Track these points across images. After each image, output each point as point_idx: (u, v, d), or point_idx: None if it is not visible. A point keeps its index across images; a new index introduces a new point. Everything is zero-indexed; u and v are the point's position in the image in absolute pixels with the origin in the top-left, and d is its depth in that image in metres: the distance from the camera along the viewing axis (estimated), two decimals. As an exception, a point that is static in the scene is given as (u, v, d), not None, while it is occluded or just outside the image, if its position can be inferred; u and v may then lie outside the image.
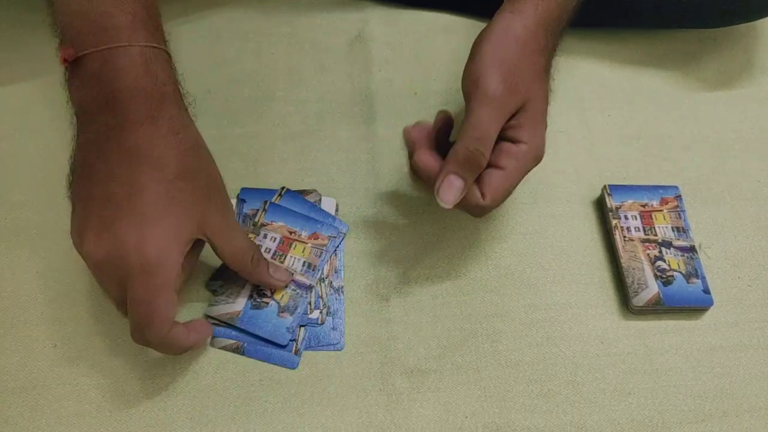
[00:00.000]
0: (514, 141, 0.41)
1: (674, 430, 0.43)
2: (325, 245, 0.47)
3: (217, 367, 0.44)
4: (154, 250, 0.36)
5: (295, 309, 0.45)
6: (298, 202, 0.49)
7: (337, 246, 0.48)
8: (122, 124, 0.37)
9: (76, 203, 0.39)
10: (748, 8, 0.57)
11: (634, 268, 0.47)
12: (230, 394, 0.43)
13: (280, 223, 0.48)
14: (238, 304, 0.45)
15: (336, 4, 0.63)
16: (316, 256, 0.47)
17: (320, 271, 0.47)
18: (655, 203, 0.51)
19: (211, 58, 0.58)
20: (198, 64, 0.58)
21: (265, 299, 0.45)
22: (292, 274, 0.45)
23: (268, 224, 0.48)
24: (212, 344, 0.44)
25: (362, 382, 0.44)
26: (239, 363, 0.44)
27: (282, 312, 0.44)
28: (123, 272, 0.37)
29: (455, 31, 0.62)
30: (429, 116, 0.46)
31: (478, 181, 0.41)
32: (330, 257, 0.47)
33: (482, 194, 0.41)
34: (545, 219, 0.51)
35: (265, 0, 0.63)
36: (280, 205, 0.49)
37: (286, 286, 0.45)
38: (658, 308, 0.46)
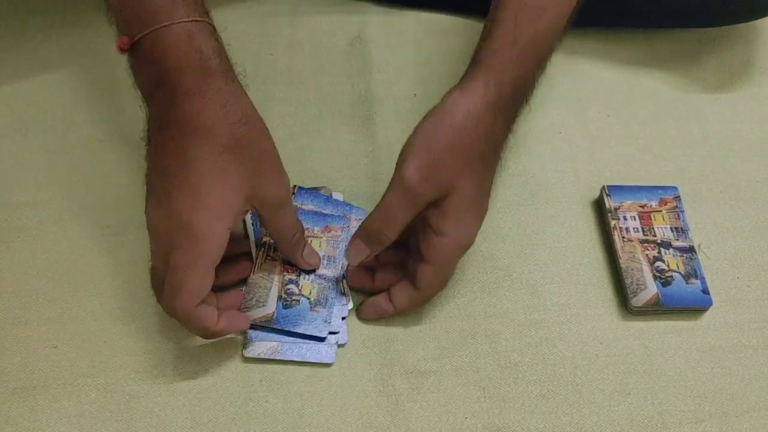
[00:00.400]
0: (437, 232, 0.41)
1: (673, 431, 0.43)
2: (339, 236, 0.48)
3: (217, 367, 0.44)
4: (199, 222, 0.37)
5: (326, 301, 0.45)
6: (311, 197, 0.50)
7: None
8: (174, 98, 0.38)
9: (147, 174, 0.41)
10: (752, 7, 0.57)
11: (633, 269, 0.48)
12: (231, 394, 0.43)
13: None
14: (270, 306, 0.44)
15: (336, 5, 0.63)
16: (333, 247, 0.47)
17: (340, 263, 0.47)
18: (654, 204, 0.51)
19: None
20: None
21: (294, 297, 0.45)
22: (320, 260, 0.46)
23: None
24: (246, 353, 0.43)
25: (362, 383, 0.44)
26: (239, 363, 0.44)
27: (315, 306, 0.45)
28: (170, 241, 0.38)
29: (455, 33, 0.62)
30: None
31: (412, 273, 0.43)
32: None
33: (417, 286, 0.43)
34: (544, 220, 0.51)
35: (265, 1, 0.63)
36: None
37: (311, 281, 0.46)
38: (657, 309, 0.47)
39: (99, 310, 0.45)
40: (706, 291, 0.47)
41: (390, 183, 0.41)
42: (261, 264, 0.46)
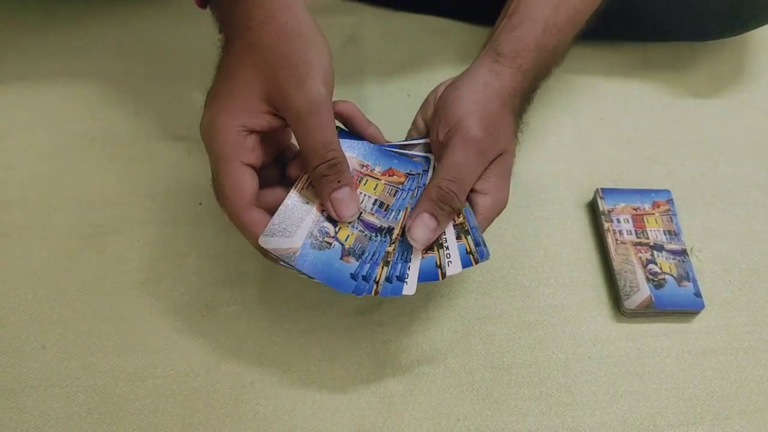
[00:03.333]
0: (481, 192, 0.40)
1: (665, 433, 0.43)
2: (401, 183, 0.40)
3: (207, 368, 0.43)
4: (213, 122, 0.37)
5: (362, 253, 0.38)
6: (355, 146, 0.42)
7: (420, 185, 0.41)
8: (223, 17, 0.41)
9: None
10: (752, 18, 0.57)
11: (626, 271, 0.48)
12: (221, 396, 0.42)
13: (351, 155, 0.40)
14: (296, 239, 0.37)
15: (330, 5, 0.63)
16: (389, 194, 0.40)
17: (393, 213, 0.40)
18: (647, 207, 0.51)
19: (207, 59, 0.58)
20: (193, 66, 0.58)
21: (327, 239, 0.38)
22: (360, 212, 0.39)
23: None
24: (263, 243, 0.36)
25: (354, 384, 0.43)
26: (230, 365, 0.43)
27: (346, 255, 0.38)
28: (207, 149, 0.38)
29: (447, 34, 0.62)
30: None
31: None
32: (408, 199, 0.40)
33: None
34: (538, 222, 0.51)
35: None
36: (351, 134, 0.42)
37: (351, 224, 0.39)
38: (650, 311, 0.47)
39: (88, 310, 0.45)
40: (698, 294, 0.47)
41: (452, 144, 0.38)
42: (303, 188, 0.39)
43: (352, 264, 0.37)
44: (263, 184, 0.38)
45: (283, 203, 0.38)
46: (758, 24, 0.58)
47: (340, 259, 0.37)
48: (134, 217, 0.49)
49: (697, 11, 0.57)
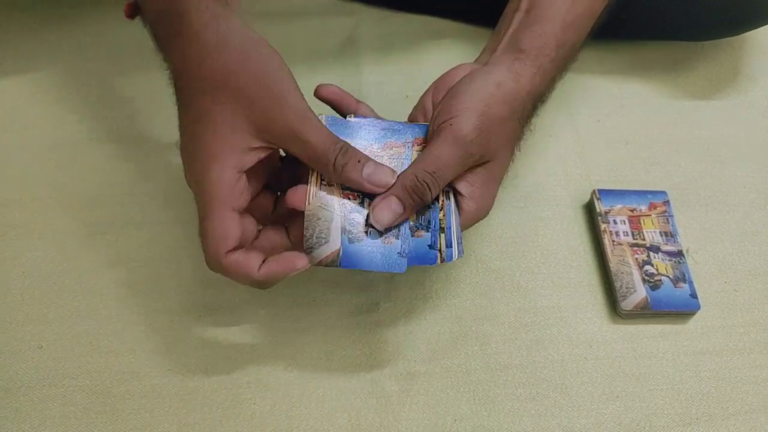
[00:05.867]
0: (464, 196, 0.39)
1: (661, 434, 0.43)
2: (402, 153, 0.40)
3: (205, 368, 0.43)
4: (202, 168, 0.36)
5: (398, 230, 0.38)
6: (341, 125, 0.41)
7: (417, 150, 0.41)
8: (164, 50, 0.38)
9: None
10: (748, 17, 0.57)
11: (622, 272, 0.48)
12: (218, 396, 0.42)
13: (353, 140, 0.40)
14: (334, 242, 0.37)
15: (328, 7, 0.63)
16: (397, 167, 0.39)
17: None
18: (644, 208, 0.51)
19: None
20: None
21: (363, 229, 0.38)
22: (394, 173, 0.38)
23: None
24: (311, 261, 0.37)
25: (351, 384, 0.43)
26: (227, 365, 0.44)
27: (386, 237, 0.38)
28: (196, 198, 0.37)
29: (446, 35, 0.62)
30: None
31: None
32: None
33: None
34: (535, 222, 0.52)
35: (257, 2, 0.63)
36: (338, 119, 0.41)
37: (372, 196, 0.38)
38: (646, 312, 0.47)
39: (85, 309, 0.45)
40: (694, 295, 0.47)
41: (440, 137, 0.38)
42: (316, 192, 0.38)
43: (395, 243, 0.38)
44: (259, 215, 0.39)
45: (305, 216, 0.37)
46: (756, 24, 0.58)
47: (382, 243, 0.38)
48: (131, 217, 0.49)
49: (694, 7, 0.57)
